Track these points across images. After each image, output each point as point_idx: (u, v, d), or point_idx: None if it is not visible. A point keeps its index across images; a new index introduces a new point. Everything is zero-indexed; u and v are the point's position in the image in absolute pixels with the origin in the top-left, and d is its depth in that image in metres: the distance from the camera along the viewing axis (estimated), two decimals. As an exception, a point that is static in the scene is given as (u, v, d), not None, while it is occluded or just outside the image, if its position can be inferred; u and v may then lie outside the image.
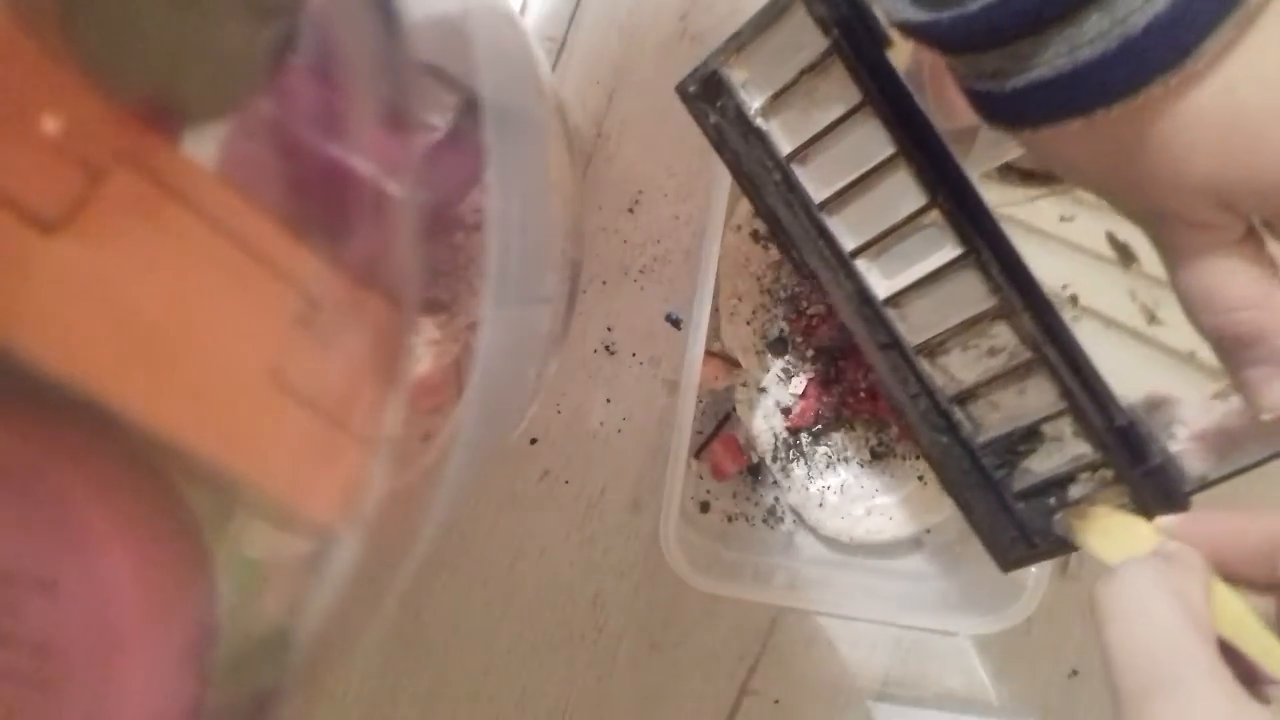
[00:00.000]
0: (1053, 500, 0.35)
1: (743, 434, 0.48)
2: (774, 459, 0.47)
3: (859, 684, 0.49)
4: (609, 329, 0.49)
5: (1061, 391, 0.33)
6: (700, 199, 0.49)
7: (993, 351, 0.35)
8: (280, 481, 0.18)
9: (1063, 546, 0.35)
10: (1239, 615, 0.26)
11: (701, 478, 0.49)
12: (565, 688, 0.49)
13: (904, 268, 0.35)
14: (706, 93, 0.36)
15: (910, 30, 0.26)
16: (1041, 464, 0.35)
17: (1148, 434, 0.32)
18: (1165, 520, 0.30)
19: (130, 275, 0.15)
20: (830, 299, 0.36)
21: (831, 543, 0.48)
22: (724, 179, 0.43)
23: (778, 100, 0.35)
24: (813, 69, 0.33)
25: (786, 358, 0.47)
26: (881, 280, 0.36)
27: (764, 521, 0.48)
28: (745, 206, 0.47)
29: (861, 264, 0.36)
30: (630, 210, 0.49)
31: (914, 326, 0.36)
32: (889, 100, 0.32)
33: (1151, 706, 0.24)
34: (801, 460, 0.47)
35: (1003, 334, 0.34)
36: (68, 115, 0.13)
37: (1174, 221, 0.26)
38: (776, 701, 0.49)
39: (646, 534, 0.49)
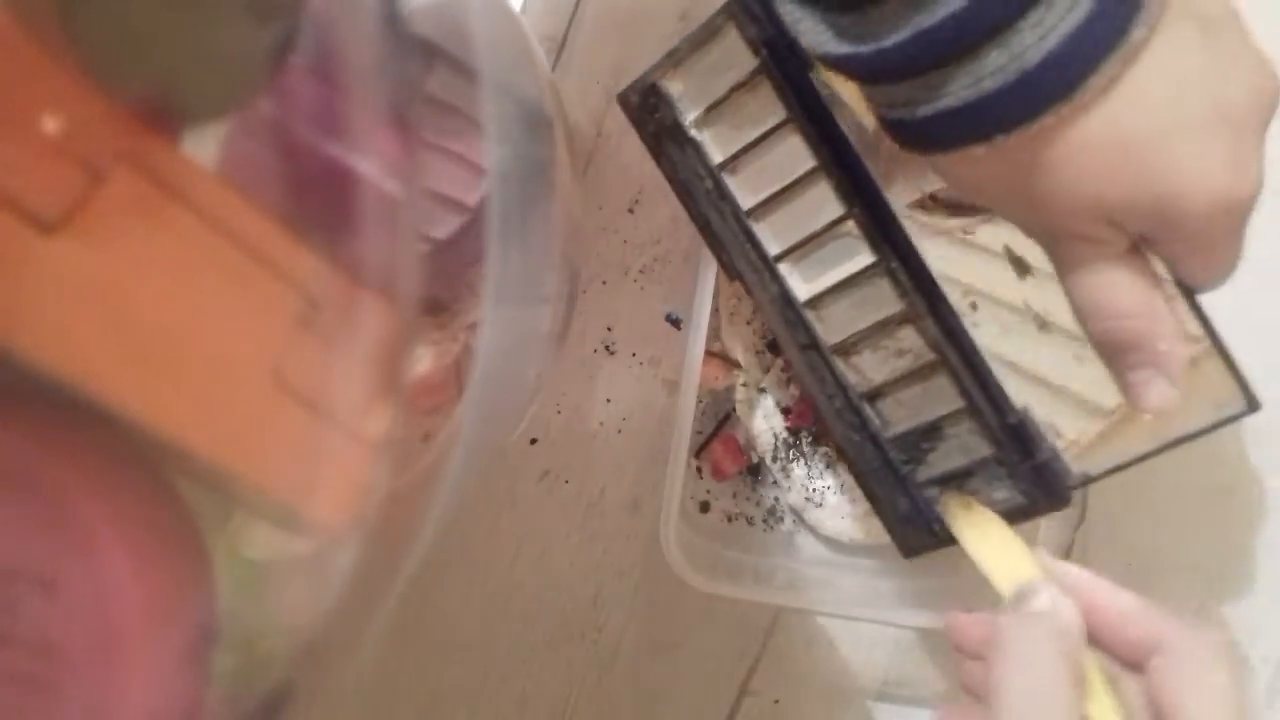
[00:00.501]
0: (952, 490, 0.38)
1: (743, 434, 0.48)
2: (774, 459, 0.47)
3: (859, 684, 0.49)
4: (609, 329, 0.49)
5: (960, 390, 0.36)
6: (700, 199, 0.48)
7: (900, 353, 0.37)
8: (280, 481, 0.18)
9: (1026, 517, 0.37)
10: (1102, 696, 0.29)
11: (701, 478, 0.49)
12: (565, 688, 0.49)
13: (823, 272, 0.38)
14: (646, 103, 0.38)
15: (832, 62, 0.28)
16: (943, 459, 0.38)
17: (1036, 432, 0.35)
18: (1046, 560, 0.32)
19: (130, 275, 0.15)
20: (756, 301, 0.39)
21: (831, 543, 0.48)
22: (724, 179, 0.43)
23: (711, 113, 0.37)
24: (743, 86, 0.36)
25: (786, 358, 0.47)
26: (802, 284, 0.38)
27: (764, 521, 0.48)
28: (745, 206, 0.47)
29: (784, 268, 0.38)
30: (630, 210, 0.49)
31: (830, 328, 0.38)
32: (811, 118, 0.35)
33: None
34: (801, 460, 0.47)
35: (909, 337, 0.37)
36: (68, 115, 0.13)
37: (1066, 237, 0.29)
38: (776, 701, 0.49)
39: (646, 534, 0.49)
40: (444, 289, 0.23)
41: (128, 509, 0.16)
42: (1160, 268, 0.30)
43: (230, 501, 0.18)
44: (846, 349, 0.38)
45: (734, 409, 0.48)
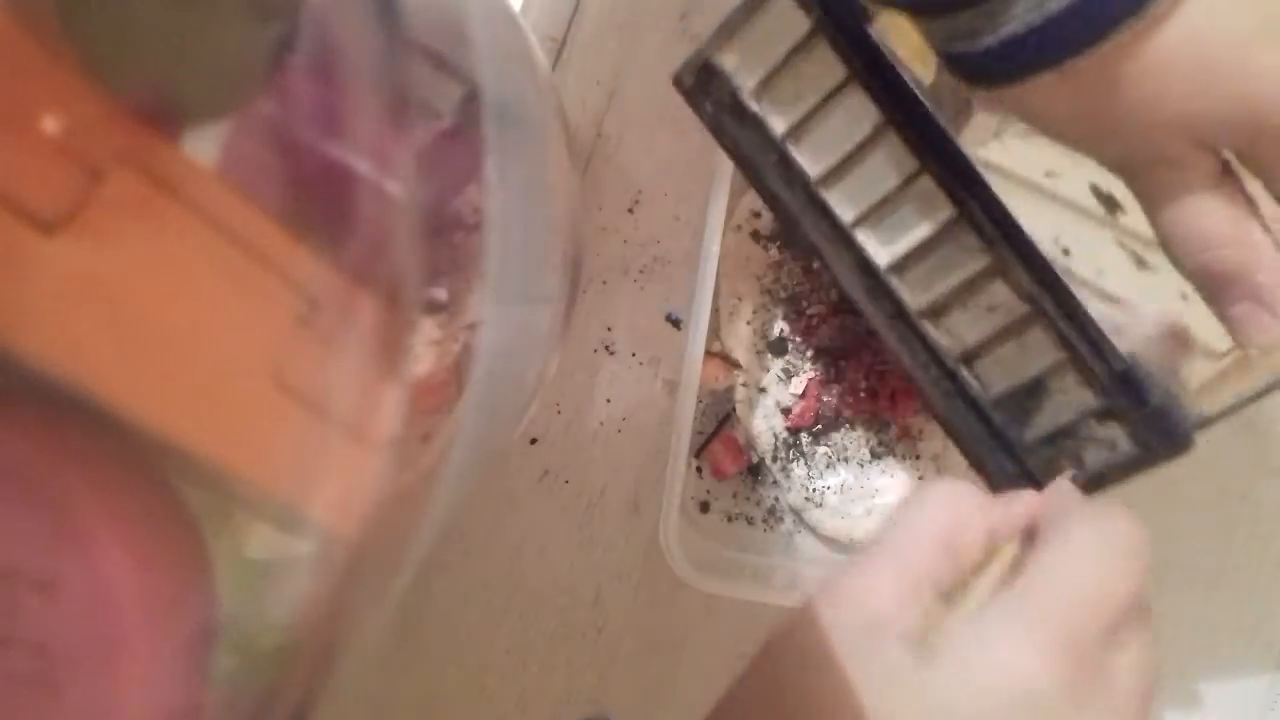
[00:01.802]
0: (1063, 450, 0.35)
1: (743, 434, 0.48)
2: (774, 459, 0.47)
3: (859, 684, 0.49)
4: (609, 329, 0.49)
5: (1060, 342, 0.34)
6: (700, 199, 0.49)
7: (991, 309, 0.35)
8: (280, 481, 0.18)
9: (1143, 465, 0.35)
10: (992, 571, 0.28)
11: (702, 477, 0.49)
12: (565, 688, 0.49)
13: (901, 234, 0.36)
14: (701, 82, 0.36)
15: None
16: (1050, 416, 0.35)
17: (1147, 376, 0.33)
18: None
19: (130, 275, 0.15)
20: (834, 273, 0.37)
21: (832, 543, 0.48)
22: (724, 179, 0.43)
23: (769, 83, 0.35)
24: (799, 49, 0.34)
25: (786, 358, 0.47)
26: (881, 249, 0.36)
27: (764, 521, 0.48)
28: (745, 206, 0.47)
29: (861, 235, 0.36)
30: (630, 210, 0.49)
31: (916, 291, 0.36)
32: (873, 73, 0.33)
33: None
34: (801, 460, 0.47)
35: (999, 290, 0.35)
36: (68, 115, 0.13)
37: (1151, 164, 0.27)
38: (776, 701, 0.49)
39: (646, 534, 0.49)
40: (444, 288, 0.23)
41: (128, 509, 0.16)
42: (1260, 191, 0.28)
43: (230, 501, 0.18)
44: (936, 311, 0.36)
45: (734, 409, 0.48)
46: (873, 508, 0.46)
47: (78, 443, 0.16)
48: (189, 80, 0.15)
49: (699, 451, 0.48)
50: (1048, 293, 0.33)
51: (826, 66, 0.34)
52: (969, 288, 0.35)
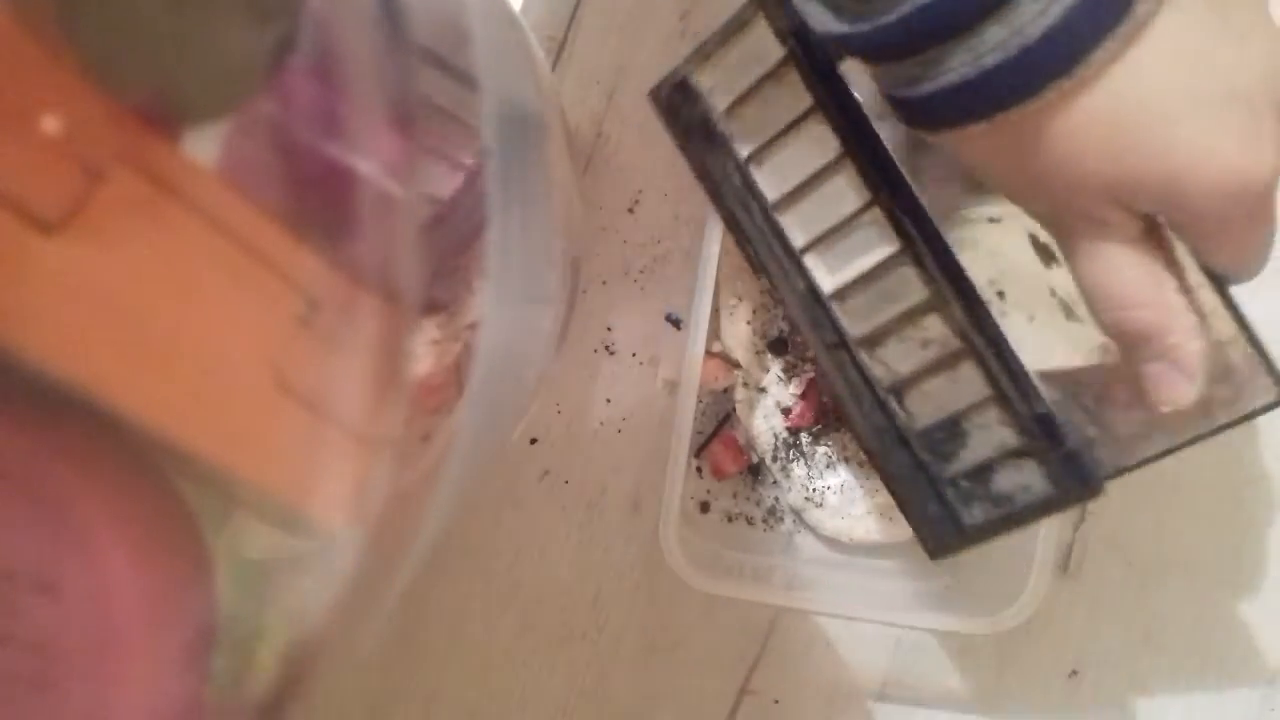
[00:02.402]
0: (980, 487, 0.37)
1: (743, 434, 0.48)
2: (774, 459, 0.47)
3: (859, 684, 0.49)
4: (609, 329, 0.49)
5: (987, 379, 0.35)
6: (700, 199, 0.48)
7: (925, 343, 0.37)
8: (280, 482, 0.18)
9: (988, 532, 0.36)
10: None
11: (701, 477, 0.49)
12: (565, 688, 0.49)
13: (848, 263, 0.37)
14: (675, 98, 0.38)
15: (837, 42, 0.28)
16: (970, 452, 0.37)
17: (1065, 421, 0.34)
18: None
19: (130, 275, 0.15)
20: (781, 296, 0.38)
21: (831, 542, 0.48)
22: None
23: (739, 105, 0.37)
24: (770, 76, 0.36)
25: (786, 357, 0.47)
26: (827, 276, 0.38)
27: (764, 521, 0.48)
28: (745, 206, 0.47)
29: (810, 260, 0.37)
30: (630, 210, 0.49)
31: (856, 320, 0.38)
32: (837, 106, 0.35)
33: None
34: (801, 460, 0.47)
35: (934, 325, 0.36)
36: (68, 115, 0.13)
37: (1074, 220, 0.28)
38: (776, 701, 0.49)
39: (646, 534, 0.49)
40: (444, 288, 0.23)
41: (128, 509, 0.16)
42: (1186, 254, 0.29)
43: (230, 501, 0.18)
44: (872, 341, 0.37)
45: (734, 409, 0.48)
46: (872, 507, 0.46)
47: (78, 443, 0.16)
48: (189, 80, 0.15)
49: (699, 451, 0.48)
50: (979, 331, 0.35)
51: (794, 95, 0.35)
52: (906, 320, 0.36)
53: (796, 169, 0.37)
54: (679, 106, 0.38)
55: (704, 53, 0.36)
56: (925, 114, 0.28)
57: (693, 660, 0.49)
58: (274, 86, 0.17)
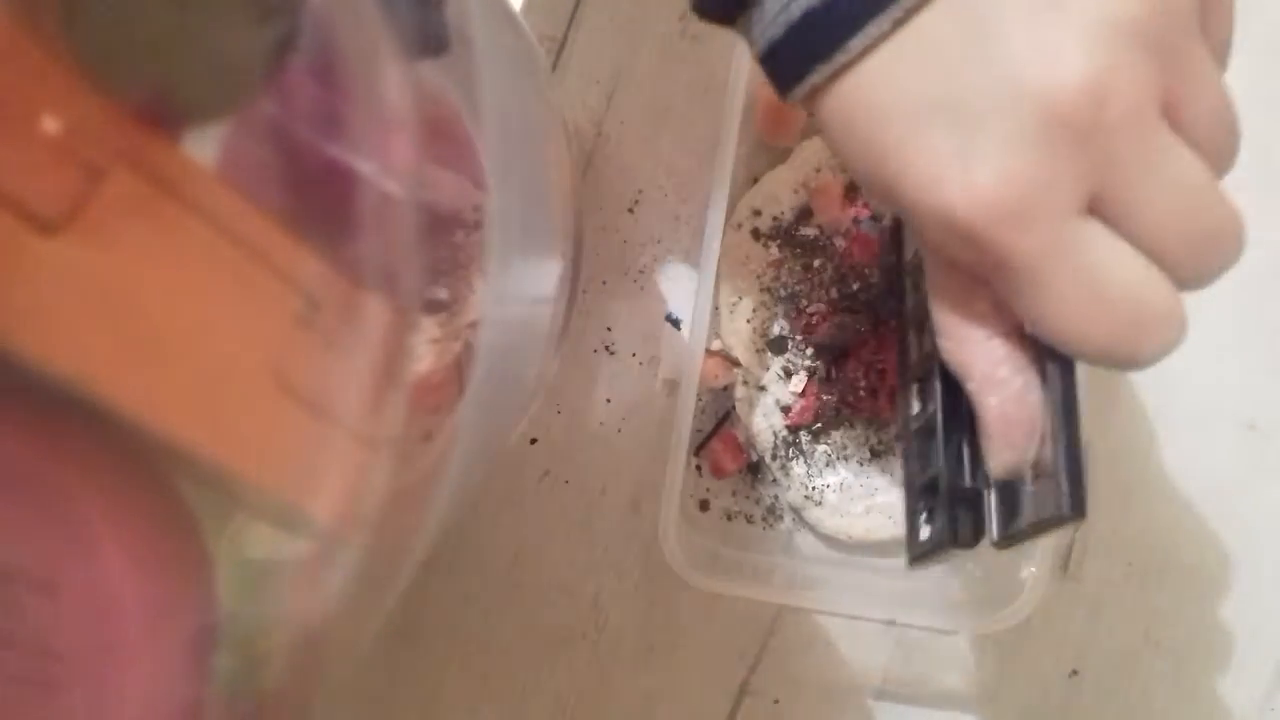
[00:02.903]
0: (928, 502, 0.33)
1: (742, 432, 0.48)
2: (774, 457, 0.47)
3: (859, 684, 0.49)
4: (609, 329, 0.49)
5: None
6: (700, 199, 0.49)
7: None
8: (281, 481, 0.18)
9: (944, 547, 0.31)
10: None
11: (701, 476, 0.49)
12: (565, 688, 0.49)
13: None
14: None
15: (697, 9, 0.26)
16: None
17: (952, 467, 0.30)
18: None
19: (130, 275, 0.15)
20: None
21: (831, 541, 0.48)
22: (724, 178, 0.43)
23: None
24: None
25: (786, 356, 0.47)
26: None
27: (763, 520, 0.48)
28: (745, 205, 0.47)
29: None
30: (630, 210, 0.49)
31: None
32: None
33: None
34: (801, 458, 0.47)
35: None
36: (68, 115, 0.13)
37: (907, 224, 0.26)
38: (776, 701, 0.49)
39: (646, 534, 0.49)
40: (444, 288, 0.23)
41: (128, 509, 0.16)
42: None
43: (230, 501, 0.18)
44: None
45: (734, 407, 0.48)
46: (872, 506, 0.46)
47: (78, 443, 0.16)
48: (189, 80, 0.15)
49: (698, 450, 0.48)
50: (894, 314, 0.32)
51: None
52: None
53: None
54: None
55: None
56: (772, 77, 0.26)
57: (693, 660, 0.49)
58: (274, 86, 0.17)
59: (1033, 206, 0.21)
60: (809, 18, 0.23)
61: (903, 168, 0.22)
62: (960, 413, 0.30)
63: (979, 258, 0.23)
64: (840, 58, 0.23)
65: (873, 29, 0.22)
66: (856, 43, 0.22)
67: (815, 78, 0.23)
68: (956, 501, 0.31)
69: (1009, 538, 0.29)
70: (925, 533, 0.33)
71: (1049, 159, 0.21)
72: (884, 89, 0.23)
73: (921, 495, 0.34)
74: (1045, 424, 0.26)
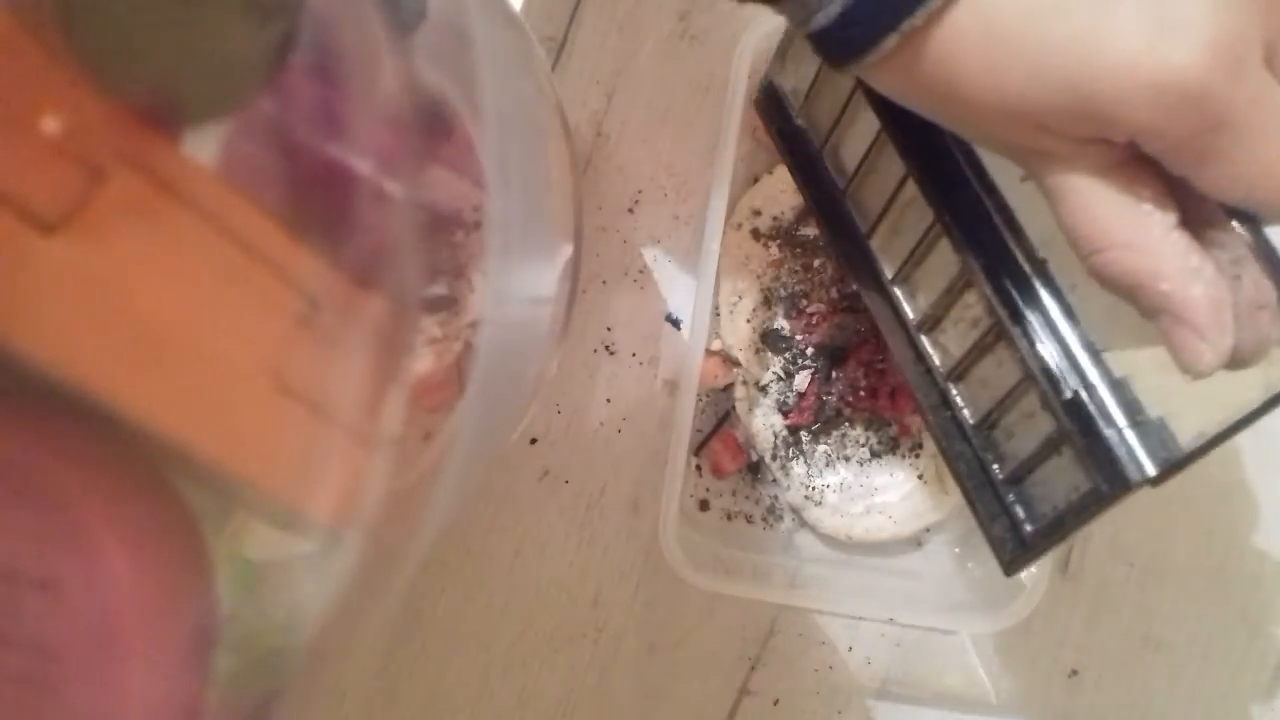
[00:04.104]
0: (1032, 489, 0.32)
1: (742, 432, 0.48)
2: (773, 457, 0.47)
3: (859, 684, 0.49)
4: (609, 329, 0.49)
5: (1019, 360, 0.31)
6: (700, 199, 0.49)
7: (975, 323, 0.33)
8: (280, 481, 0.18)
9: (1046, 540, 0.32)
10: None
11: (701, 476, 0.49)
12: (565, 688, 0.49)
13: (902, 242, 0.35)
14: (769, 105, 0.40)
15: None
16: (1016, 446, 0.33)
17: (1100, 407, 0.29)
18: None
19: (130, 275, 0.15)
20: (856, 288, 0.38)
21: (831, 541, 0.48)
22: (724, 178, 0.43)
23: (834, 133, 0.38)
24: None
25: (786, 356, 0.47)
26: (889, 261, 0.36)
27: (763, 520, 0.48)
28: (745, 205, 0.47)
29: (875, 244, 0.37)
30: (630, 210, 0.49)
31: (915, 303, 0.36)
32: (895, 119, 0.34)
33: None
34: (801, 458, 0.47)
35: (974, 302, 0.33)
36: (68, 115, 0.13)
37: (1023, 156, 0.25)
38: (776, 702, 0.49)
39: (646, 534, 0.49)
40: (444, 288, 0.23)
41: (128, 509, 0.16)
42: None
43: (230, 501, 0.18)
44: (930, 324, 0.35)
45: (733, 407, 0.48)
46: (872, 506, 0.46)
47: (78, 443, 0.16)
48: (189, 80, 0.15)
49: (698, 450, 0.48)
50: (1005, 304, 0.31)
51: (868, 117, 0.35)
52: (953, 298, 0.34)
53: (855, 152, 0.36)
54: (776, 115, 0.40)
55: (781, 52, 0.39)
56: (832, 48, 0.26)
57: (693, 660, 0.49)
58: (274, 86, 0.17)
59: (1243, 55, 0.22)
60: None
61: (1094, 52, 0.22)
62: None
63: (1197, 121, 0.22)
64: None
65: None
66: None
67: (916, 20, 0.23)
68: (1088, 452, 0.30)
69: (1176, 464, 0.29)
70: (1032, 521, 0.33)
71: (1244, 8, 0.22)
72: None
73: (1003, 487, 0.33)
74: (1265, 293, 0.25)
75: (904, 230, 0.35)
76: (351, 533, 0.20)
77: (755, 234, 0.47)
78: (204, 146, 0.16)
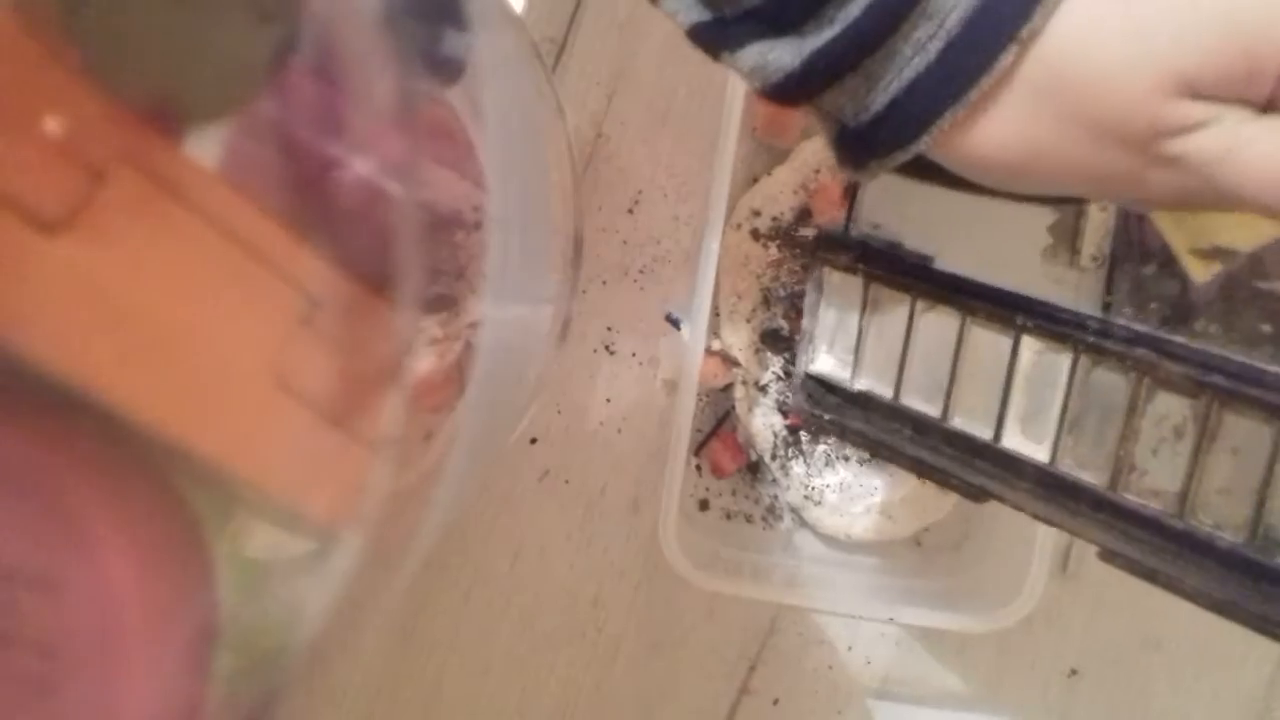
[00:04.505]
0: None
1: (742, 432, 0.48)
2: (773, 457, 0.47)
3: (859, 684, 0.49)
4: (609, 329, 0.49)
5: (1265, 415, 0.27)
6: (700, 199, 0.49)
7: (1178, 430, 0.28)
8: (281, 481, 0.18)
9: None
10: None
11: (701, 476, 0.49)
12: (565, 688, 0.49)
13: (1043, 412, 0.31)
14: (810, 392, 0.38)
15: (795, 81, 0.25)
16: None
17: None
18: None
19: (131, 276, 0.15)
20: (1011, 502, 0.32)
21: (830, 541, 0.48)
22: (724, 178, 0.43)
23: (860, 355, 0.36)
24: (868, 307, 0.35)
25: (786, 356, 0.47)
26: (1034, 446, 0.31)
27: (763, 519, 0.48)
28: (745, 205, 0.47)
29: (1010, 443, 0.32)
30: (630, 210, 0.49)
31: (1096, 467, 0.30)
32: (929, 280, 0.32)
33: None
34: (801, 458, 0.47)
35: (1165, 403, 0.28)
36: (69, 115, 0.13)
37: (1151, 159, 0.24)
38: (776, 701, 0.49)
39: (646, 534, 0.49)
40: (445, 288, 0.23)
41: (128, 509, 0.16)
42: None
43: (230, 501, 0.18)
44: (1125, 476, 0.29)
45: (733, 407, 0.48)
46: (871, 506, 0.46)
47: (79, 443, 0.16)
48: (190, 81, 0.15)
49: (698, 449, 0.48)
50: (1215, 369, 0.27)
51: (894, 301, 0.34)
52: (1138, 423, 0.29)
53: (934, 364, 0.33)
54: (818, 403, 0.38)
55: (809, 344, 0.37)
56: (904, 123, 0.25)
57: (693, 660, 0.49)
58: (275, 86, 0.17)
59: None
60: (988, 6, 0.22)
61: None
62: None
63: None
64: (1039, 18, 0.22)
65: None
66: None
67: (1010, 51, 0.23)
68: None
69: None
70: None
71: None
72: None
73: None
74: None
75: (1039, 398, 0.31)
76: (351, 533, 0.20)
77: (755, 234, 0.47)
78: (205, 147, 0.16)
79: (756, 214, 0.47)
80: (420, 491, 0.24)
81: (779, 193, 0.47)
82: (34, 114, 0.13)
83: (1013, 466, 0.32)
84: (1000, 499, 0.32)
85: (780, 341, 0.47)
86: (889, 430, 0.35)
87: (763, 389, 0.47)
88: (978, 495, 0.32)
